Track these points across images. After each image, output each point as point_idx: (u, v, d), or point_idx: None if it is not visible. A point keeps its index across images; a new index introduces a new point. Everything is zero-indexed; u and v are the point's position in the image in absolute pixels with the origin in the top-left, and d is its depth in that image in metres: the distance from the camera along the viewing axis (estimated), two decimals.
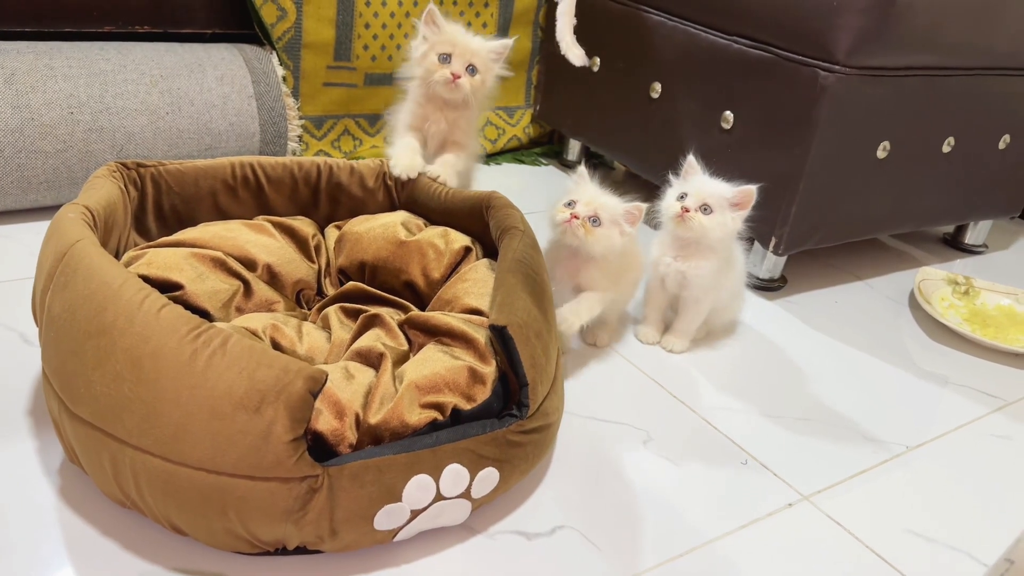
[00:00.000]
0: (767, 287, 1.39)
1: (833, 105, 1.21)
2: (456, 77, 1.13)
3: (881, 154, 1.32)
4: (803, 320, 1.32)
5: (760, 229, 1.27)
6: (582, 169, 1.06)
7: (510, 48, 1.20)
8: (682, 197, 1.06)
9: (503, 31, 1.74)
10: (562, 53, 1.25)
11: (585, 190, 1.04)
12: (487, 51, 1.17)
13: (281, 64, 1.46)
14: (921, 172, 1.42)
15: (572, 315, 1.04)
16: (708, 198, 1.05)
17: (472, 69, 1.14)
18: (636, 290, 1.16)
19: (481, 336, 0.82)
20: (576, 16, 1.25)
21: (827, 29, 1.18)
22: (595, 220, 1.01)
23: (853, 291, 1.45)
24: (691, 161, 1.09)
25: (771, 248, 1.33)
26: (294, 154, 1.46)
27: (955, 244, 1.73)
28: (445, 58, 1.13)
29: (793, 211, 1.28)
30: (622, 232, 1.02)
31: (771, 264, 1.37)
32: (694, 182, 1.08)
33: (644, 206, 1.03)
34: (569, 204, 1.02)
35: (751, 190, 1.05)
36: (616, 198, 1.04)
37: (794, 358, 1.20)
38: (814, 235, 1.34)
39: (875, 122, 1.29)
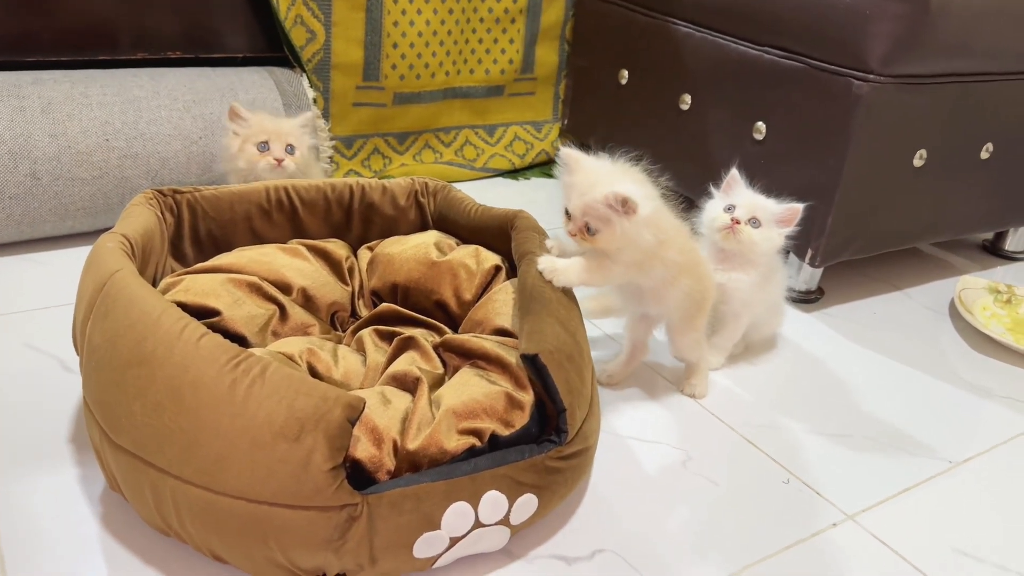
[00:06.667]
0: (804, 299, 1.37)
1: (868, 114, 1.19)
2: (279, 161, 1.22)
3: (918, 162, 1.30)
4: (841, 332, 1.30)
5: (796, 240, 1.25)
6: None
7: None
8: (730, 209, 1.06)
9: (530, 46, 1.74)
10: None
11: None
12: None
13: (311, 86, 1.47)
14: (959, 179, 1.39)
15: (561, 264, 0.88)
16: (758, 211, 1.05)
17: (291, 148, 1.23)
18: (710, 296, 1.05)
19: (515, 360, 0.82)
20: (602, 27, 1.24)
21: (860, 38, 1.16)
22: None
23: (892, 301, 1.43)
24: (734, 174, 1.09)
25: (807, 260, 1.31)
26: (325, 174, 1.46)
27: (995, 251, 1.69)
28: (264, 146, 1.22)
29: (829, 222, 1.26)
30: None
31: (808, 276, 1.35)
32: (741, 195, 1.07)
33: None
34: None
35: (798, 208, 1.05)
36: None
37: (833, 372, 1.18)
38: (851, 246, 1.32)
39: (911, 130, 1.26)
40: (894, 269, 1.55)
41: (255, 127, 1.20)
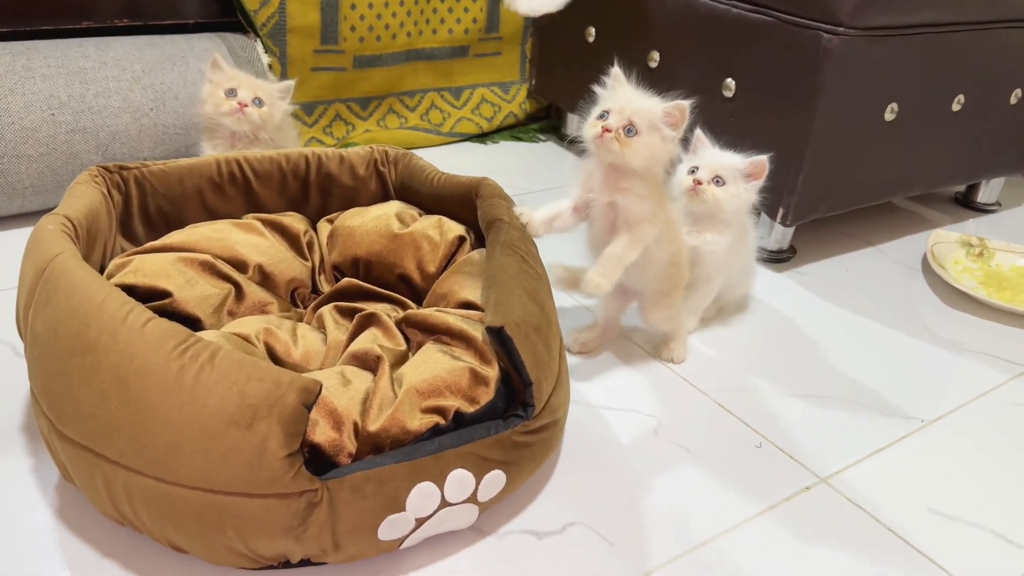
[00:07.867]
0: (776, 259, 1.35)
1: (838, 68, 1.17)
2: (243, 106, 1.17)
3: (889, 116, 1.28)
4: (814, 292, 1.29)
5: (767, 200, 1.23)
6: (616, 71, 0.92)
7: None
8: (693, 171, 1.04)
9: (494, 4, 1.69)
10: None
11: (619, 95, 0.90)
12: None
13: (267, 51, 1.42)
14: (931, 132, 1.38)
15: (599, 276, 0.90)
16: (720, 170, 1.03)
17: (258, 101, 1.18)
18: (685, 273, 1.04)
19: (480, 334, 0.80)
20: None
21: None
22: (630, 129, 0.89)
23: (865, 258, 1.42)
24: (699, 134, 1.06)
25: (779, 219, 1.29)
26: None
27: (967, 203, 1.68)
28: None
29: (800, 180, 1.24)
30: (664, 138, 0.89)
31: (779, 235, 1.33)
32: (705, 155, 1.05)
33: (687, 104, 0.88)
34: (602, 115, 0.92)
35: (763, 160, 1.02)
36: (654, 99, 0.90)
37: (806, 332, 1.17)
38: (823, 203, 1.30)
39: (882, 83, 1.24)
40: (867, 224, 1.53)
41: (228, 74, 1.18)
